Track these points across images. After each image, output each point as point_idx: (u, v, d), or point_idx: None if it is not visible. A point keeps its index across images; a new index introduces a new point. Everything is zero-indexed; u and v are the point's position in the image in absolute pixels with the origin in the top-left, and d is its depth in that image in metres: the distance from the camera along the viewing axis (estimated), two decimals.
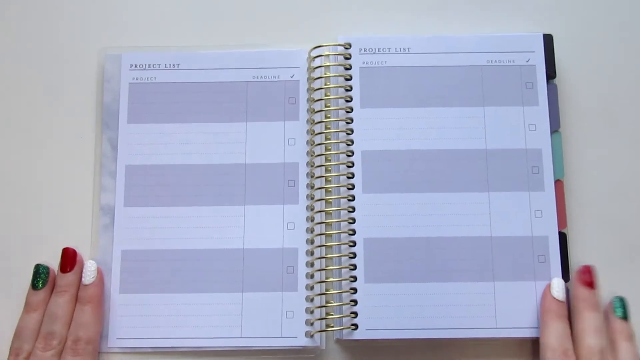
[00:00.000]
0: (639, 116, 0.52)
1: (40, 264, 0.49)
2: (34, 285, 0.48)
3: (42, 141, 0.52)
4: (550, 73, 0.51)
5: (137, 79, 0.52)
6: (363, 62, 0.51)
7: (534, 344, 0.48)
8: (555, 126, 0.51)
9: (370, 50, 0.52)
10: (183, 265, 0.49)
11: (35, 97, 0.53)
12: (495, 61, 0.51)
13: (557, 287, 0.48)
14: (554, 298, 0.47)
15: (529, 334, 0.48)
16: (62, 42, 0.54)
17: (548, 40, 0.52)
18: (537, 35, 0.52)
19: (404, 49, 0.52)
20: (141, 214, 0.50)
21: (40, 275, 0.48)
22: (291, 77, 0.52)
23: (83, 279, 0.48)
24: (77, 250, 0.49)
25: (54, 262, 0.49)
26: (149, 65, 0.52)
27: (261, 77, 0.52)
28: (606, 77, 0.53)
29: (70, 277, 0.48)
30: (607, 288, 0.49)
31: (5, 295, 0.50)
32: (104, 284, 0.49)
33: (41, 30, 0.54)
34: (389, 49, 0.52)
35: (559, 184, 0.50)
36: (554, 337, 0.46)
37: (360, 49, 0.52)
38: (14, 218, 0.51)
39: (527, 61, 0.51)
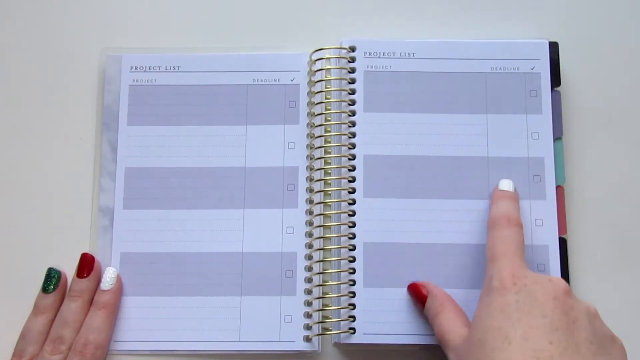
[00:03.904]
0: None
1: (52, 268, 0.48)
2: (45, 289, 0.48)
3: (41, 142, 0.52)
4: (555, 81, 0.51)
5: (137, 80, 0.51)
6: (368, 66, 0.51)
7: None
8: (558, 133, 0.50)
9: (375, 54, 0.51)
10: (182, 268, 0.49)
11: (35, 98, 0.53)
12: (500, 68, 0.51)
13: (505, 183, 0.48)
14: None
15: None
16: (63, 43, 0.54)
17: (554, 47, 0.51)
18: (543, 42, 0.51)
19: (409, 54, 0.51)
20: (140, 217, 0.50)
21: (52, 280, 0.48)
22: (291, 80, 0.51)
23: (101, 285, 0.48)
24: (96, 257, 0.49)
25: (52, 263, 0.49)
26: (150, 67, 0.52)
27: (261, 80, 0.51)
28: (609, 85, 0.52)
29: (85, 282, 0.48)
30: (607, 292, 0.49)
31: (2, 295, 0.50)
32: (121, 293, 0.49)
33: (42, 31, 0.54)
34: (393, 53, 0.51)
35: (559, 189, 0.50)
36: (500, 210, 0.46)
37: (365, 53, 0.51)
38: (12, 218, 0.51)
39: (532, 69, 0.51)
